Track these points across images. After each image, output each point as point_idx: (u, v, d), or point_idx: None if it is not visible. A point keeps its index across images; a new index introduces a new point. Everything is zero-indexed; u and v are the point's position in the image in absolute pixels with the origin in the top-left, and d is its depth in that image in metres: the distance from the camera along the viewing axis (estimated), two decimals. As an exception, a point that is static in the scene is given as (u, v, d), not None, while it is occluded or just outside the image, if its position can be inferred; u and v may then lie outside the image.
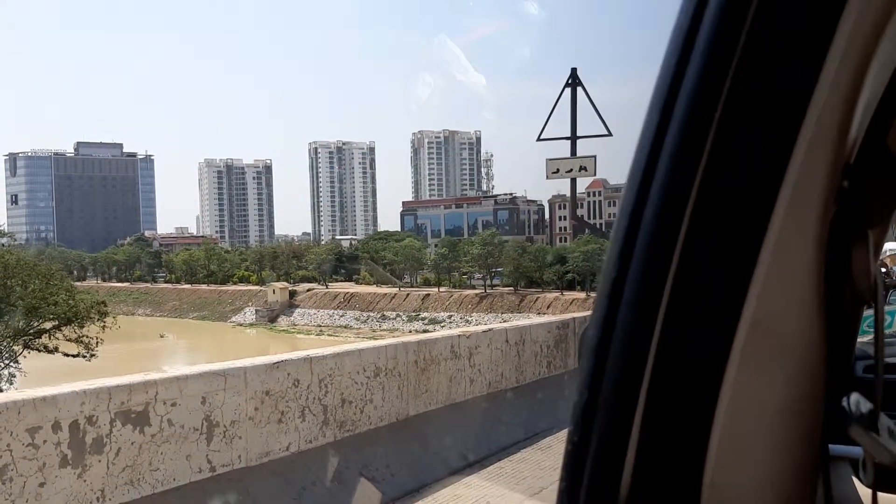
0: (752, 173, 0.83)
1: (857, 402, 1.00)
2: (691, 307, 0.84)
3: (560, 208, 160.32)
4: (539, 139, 13.52)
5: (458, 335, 8.89)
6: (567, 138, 13.09)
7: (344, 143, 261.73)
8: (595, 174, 14.39)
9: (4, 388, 39.48)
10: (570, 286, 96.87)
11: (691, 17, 0.86)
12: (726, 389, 0.81)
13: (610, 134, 13.35)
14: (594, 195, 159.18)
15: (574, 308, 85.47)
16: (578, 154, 13.09)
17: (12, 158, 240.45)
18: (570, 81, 12.62)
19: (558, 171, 12.69)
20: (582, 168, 12.49)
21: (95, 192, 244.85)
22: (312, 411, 6.63)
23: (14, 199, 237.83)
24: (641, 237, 0.87)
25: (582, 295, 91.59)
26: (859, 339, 1.22)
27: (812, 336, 0.85)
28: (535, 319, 10.89)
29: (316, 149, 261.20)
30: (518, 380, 10.00)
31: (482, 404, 9.19)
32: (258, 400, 6.09)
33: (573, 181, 12.71)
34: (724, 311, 0.82)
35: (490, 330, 9.59)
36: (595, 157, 13.07)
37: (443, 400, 8.48)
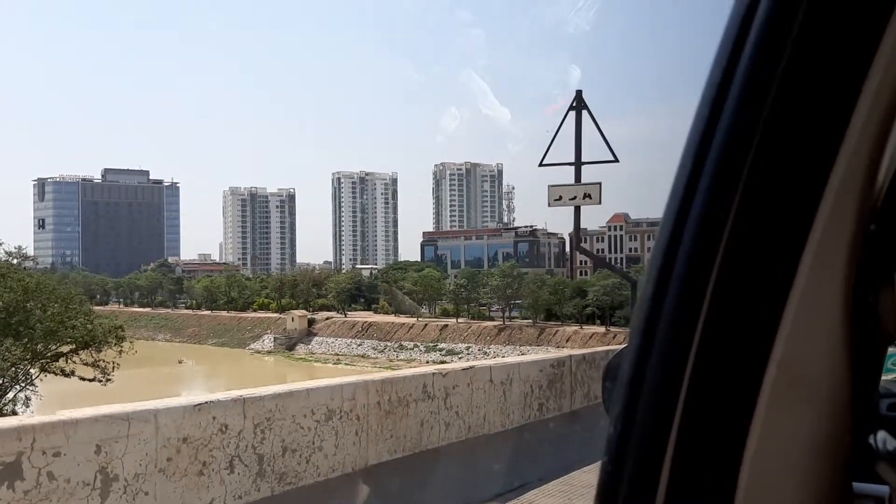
0: (783, 217, 0.84)
1: (883, 439, 1.02)
2: (723, 347, 0.85)
3: (581, 242, 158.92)
4: (541, 164, 12.98)
5: (433, 373, 7.96)
6: (571, 164, 12.53)
7: (367, 174, 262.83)
8: (600, 202, 13.74)
9: (20, 411, 39.32)
10: (590, 320, 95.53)
11: (727, 59, 0.88)
12: (755, 427, 0.83)
13: (616, 160, 12.77)
14: (615, 229, 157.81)
15: (593, 342, 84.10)
16: (583, 181, 12.52)
17: (41, 184, 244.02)
18: (574, 104, 12.08)
19: (561, 198, 12.09)
20: (586, 195, 11.88)
21: (121, 218, 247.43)
22: (244, 461, 5.74)
23: (41, 224, 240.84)
24: (675, 277, 0.89)
25: (601, 329, 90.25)
26: (883, 377, 1.23)
27: (838, 376, 0.86)
28: (527, 357, 9.94)
29: (339, 178, 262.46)
30: (503, 424, 9.03)
31: (459, 451, 8.24)
32: (173, 448, 5.22)
33: (577, 210, 12.13)
34: (754, 351, 0.84)
35: (471, 368, 8.65)
36: (600, 184, 12.49)
37: (411, 446, 7.55)
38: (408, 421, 7.49)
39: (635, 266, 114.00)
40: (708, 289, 0.85)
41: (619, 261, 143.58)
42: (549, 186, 13.49)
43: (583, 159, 13.42)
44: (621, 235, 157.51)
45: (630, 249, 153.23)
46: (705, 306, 0.85)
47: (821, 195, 0.82)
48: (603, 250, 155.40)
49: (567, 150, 14.16)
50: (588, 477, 9.14)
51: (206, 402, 5.46)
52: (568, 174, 14.19)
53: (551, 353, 10.76)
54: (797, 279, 0.82)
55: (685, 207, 0.89)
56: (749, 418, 0.82)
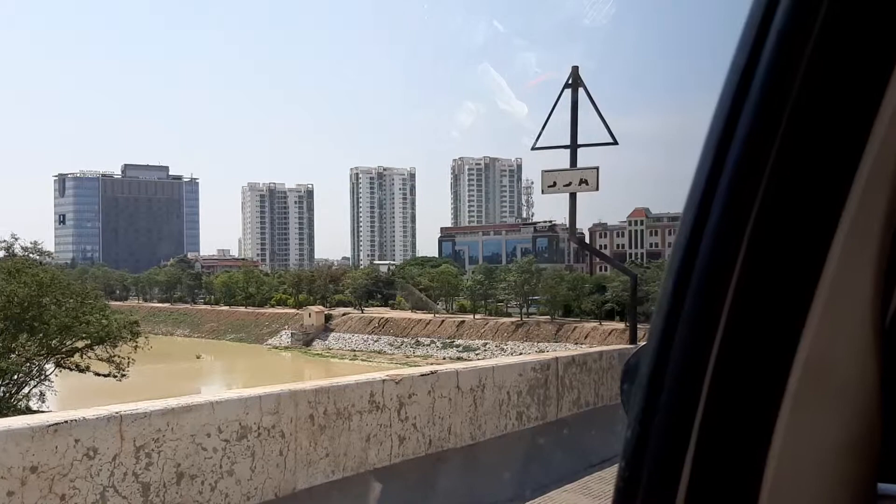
0: (808, 214, 0.82)
1: None
2: (745, 346, 0.84)
3: (601, 237, 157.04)
4: (534, 148, 11.95)
5: (382, 380, 6.87)
6: (566, 146, 11.51)
7: (385, 169, 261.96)
8: (597, 188, 12.74)
9: (35, 406, 39.09)
10: (610, 316, 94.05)
11: (749, 51, 0.86)
12: (779, 429, 0.81)
13: (615, 142, 11.72)
14: (636, 224, 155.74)
15: (613, 339, 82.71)
16: (579, 165, 11.51)
17: (61, 179, 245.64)
18: (569, 81, 11.06)
19: (555, 184, 11.13)
20: (582, 181, 10.93)
21: (141, 214, 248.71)
22: (122, 493, 4.71)
23: (62, 219, 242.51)
24: (696, 274, 0.87)
25: (621, 325, 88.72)
26: None
27: (865, 376, 0.85)
28: (503, 360, 8.83)
29: (357, 174, 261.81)
30: (474, 436, 7.94)
31: (417, 470, 7.17)
32: (16, 480, 4.20)
33: (572, 197, 11.14)
34: (778, 350, 0.82)
35: (433, 373, 7.55)
36: (598, 168, 11.47)
37: (354, 466, 6.48)
38: (349, 436, 6.42)
39: (655, 261, 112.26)
40: (730, 286, 0.83)
41: (639, 256, 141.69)
42: (542, 172, 12.36)
43: (579, 142, 12.24)
44: (642, 230, 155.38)
45: (651, 244, 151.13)
46: (727, 304, 0.83)
47: (847, 191, 0.79)
48: (623, 245, 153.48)
49: (571, 132, 13.01)
50: (568, 497, 8.03)
51: (65, 422, 4.42)
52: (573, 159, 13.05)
53: (534, 356, 9.60)
54: (823, 277, 0.80)
55: (706, 203, 0.86)
56: (773, 419, 0.81)
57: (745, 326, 0.83)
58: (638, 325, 13.05)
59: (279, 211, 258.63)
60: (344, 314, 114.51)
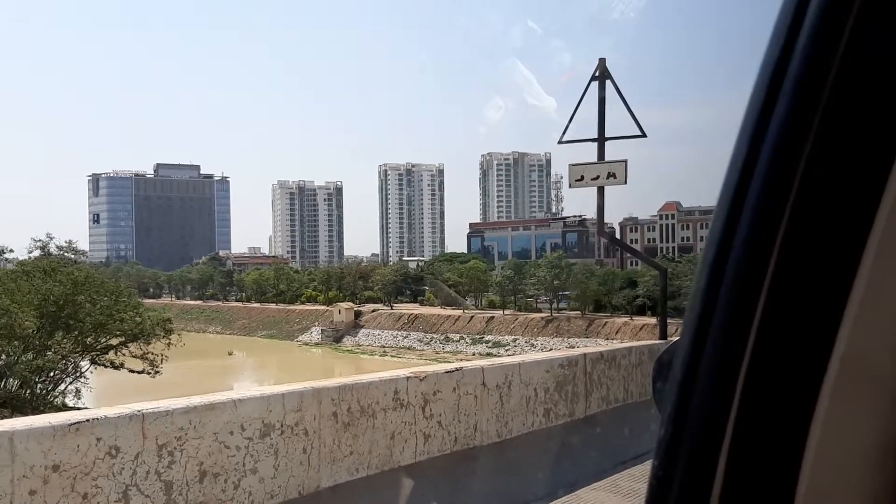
0: (844, 207, 0.80)
1: None
2: (781, 341, 0.82)
3: (631, 231, 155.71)
4: (561, 142, 11.74)
5: (407, 377, 6.81)
6: (593, 140, 11.29)
7: (413, 166, 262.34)
8: (626, 182, 12.53)
9: (71, 403, 39.81)
10: (641, 311, 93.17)
11: (783, 43, 0.84)
12: (816, 425, 0.80)
13: (644, 135, 11.48)
14: (667, 218, 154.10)
15: (644, 334, 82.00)
16: (608, 159, 11.31)
17: (95, 179, 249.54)
18: (596, 74, 10.84)
19: (582, 178, 10.93)
20: (610, 175, 10.72)
21: (173, 212, 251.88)
22: (144, 491, 4.70)
23: (96, 218, 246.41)
24: (730, 269, 0.85)
25: (653, 320, 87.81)
26: None
27: None
28: (529, 356, 8.71)
29: (386, 171, 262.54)
30: (500, 433, 7.85)
31: (442, 468, 7.09)
32: (38, 479, 4.20)
33: (601, 191, 10.95)
34: (815, 346, 0.80)
35: (458, 370, 7.47)
36: (626, 161, 11.24)
37: (379, 464, 6.42)
38: (374, 434, 6.36)
39: (687, 255, 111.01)
40: (765, 281, 0.81)
41: (670, 250, 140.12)
42: (569, 166, 12.18)
43: (607, 135, 12.05)
44: (673, 224, 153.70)
45: (682, 238, 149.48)
46: (762, 299, 0.81)
47: (884, 184, 0.77)
48: (654, 239, 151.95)
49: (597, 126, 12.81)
50: (596, 495, 7.91)
51: (87, 421, 4.42)
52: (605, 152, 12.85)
53: (561, 352, 9.47)
54: (860, 271, 0.78)
55: (740, 197, 0.84)
56: (809, 416, 0.79)
57: (780, 322, 0.81)
58: (669, 321, 12.82)
59: (309, 208, 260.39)
60: (373, 311, 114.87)
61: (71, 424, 4.36)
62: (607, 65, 11.98)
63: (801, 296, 0.81)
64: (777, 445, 0.81)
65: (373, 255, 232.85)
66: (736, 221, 0.85)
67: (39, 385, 38.86)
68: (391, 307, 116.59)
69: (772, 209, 0.82)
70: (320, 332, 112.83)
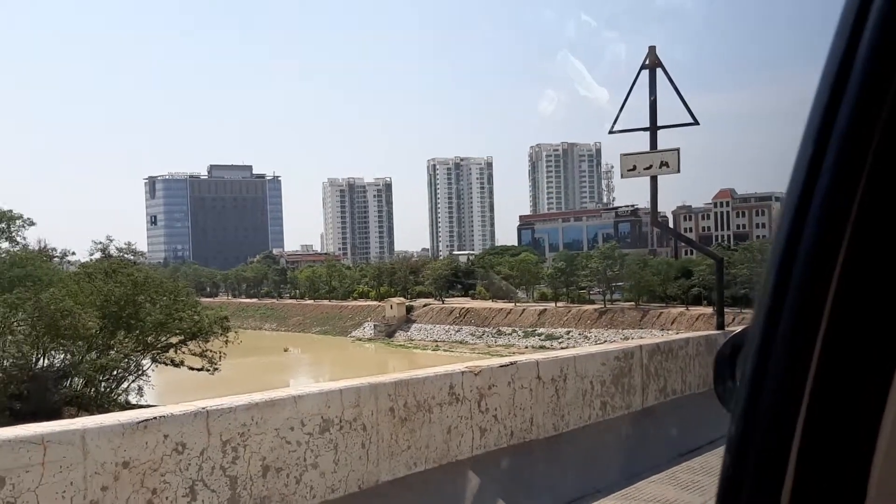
0: None
1: None
2: (851, 338, 0.81)
3: (685, 220, 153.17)
4: (611, 132, 11.59)
5: (462, 372, 6.84)
6: (645, 129, 11.09)
7: (462, 159, 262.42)
8: (679, 171, 12.30)
9: (133, 400, 41.04)
10: (696, 301, 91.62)
11: (851, 28, 0.82)
12: (887, 423, 0.78)
13: (696, 122, 11.22)
14: (721, 206, 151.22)
15: (700, 324, 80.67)
16: (660, 147, 11.10)
17: (151, 181, 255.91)
18: (646, 62, 10.61)
19: (635, 168, 10.75)
20: (663, 164, 10.53)
21: (227, 212, 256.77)
22: (210, 486, 4.82)
23: (154, 220, 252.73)
24: (798, 264, 0.84)
25: (709, 310, 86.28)
26: None
27: None
28: (584, 349, 8.65)
29: (434, 165, 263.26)
30: (557, 426, 7.83)
31: (499, 462, 7.11)
32: (109, 475, 4.35)
33: (653, 180, 10.75)
34: (885, 341, 0.78)
35: (512, 364, 7.47)
36: (678, 149, 11.02)
37: (437, 458, 6.47)
38: (430, 428, 6.41)
39: (742, 243, 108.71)
40: (833, 279, 0.80)
41: (726, 238, 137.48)
42: (621, 155, 12.06)
43: (658, 123, 11.89)
44: (727, 212, 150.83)
45: (737, 226, 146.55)
46: (830, 297, 0.80)
47: None
48: (709, 228, 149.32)
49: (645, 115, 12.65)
50: (655, 488, 7.83)
51: (154, 418, 4.55)
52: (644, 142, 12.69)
53: (617, 344, 9.39)
54: None
55: (808, 190, 0.82)
56: (880, 413, 0.77)
57: (850, 318, 0.79)
58: (725, 310, 12.61)
59: (359, 205, 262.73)
60: (425, 305, 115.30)
61: (139, 422, 4.50)
62: (659, 53, 11.81)
63: (869, 293, 0.79)
64: (847, 443, 0.79)
65: (423, 249, 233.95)
66: (804, 218, 0.83)
67: (103, 383, 39.96)
68: (442, 301, 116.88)
69: (841, 203, 0.80)
70: (373, 327, 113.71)
